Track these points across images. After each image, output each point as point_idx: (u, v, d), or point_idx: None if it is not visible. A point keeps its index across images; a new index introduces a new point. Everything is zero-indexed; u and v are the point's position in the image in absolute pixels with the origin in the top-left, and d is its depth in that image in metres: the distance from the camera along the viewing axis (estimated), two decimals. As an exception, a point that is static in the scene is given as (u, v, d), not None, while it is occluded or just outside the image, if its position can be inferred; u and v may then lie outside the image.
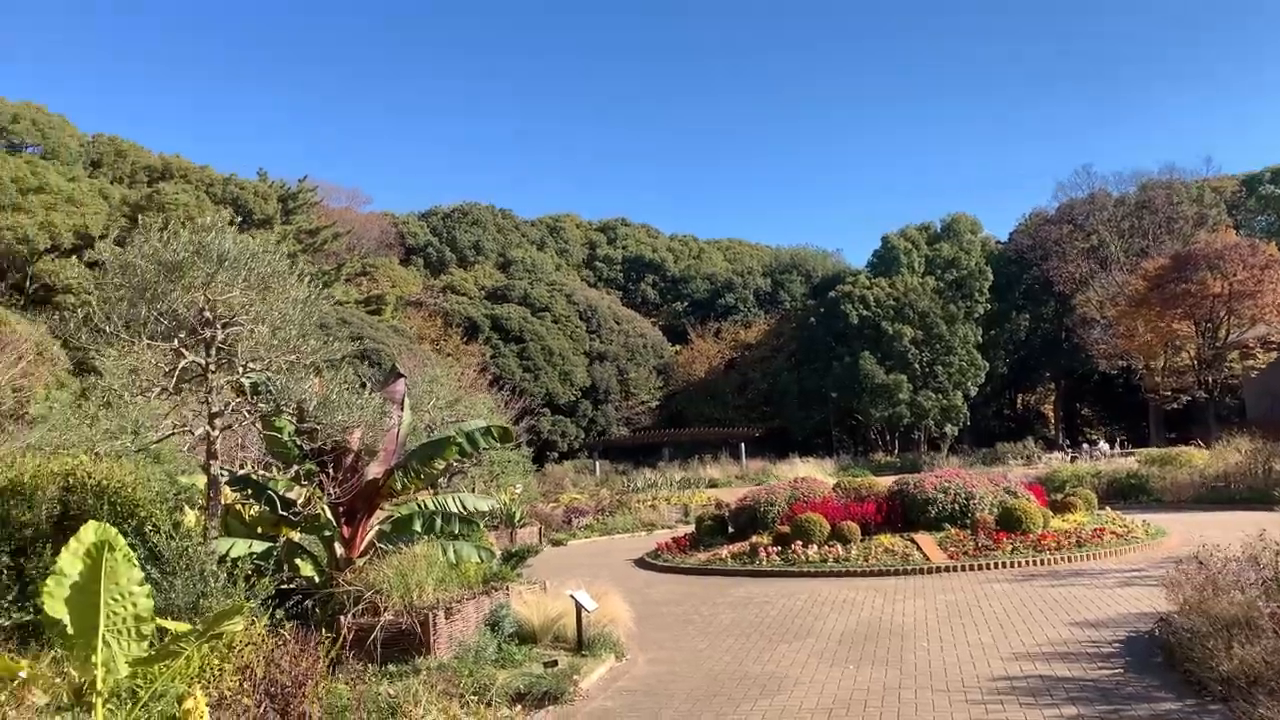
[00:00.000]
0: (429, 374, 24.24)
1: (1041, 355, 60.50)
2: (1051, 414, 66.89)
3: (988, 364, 55.17)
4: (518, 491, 26.84)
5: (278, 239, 40.18)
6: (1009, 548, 15.79)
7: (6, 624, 9.25)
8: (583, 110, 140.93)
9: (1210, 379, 39.82)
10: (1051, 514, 17.79)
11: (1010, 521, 16.49)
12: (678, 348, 64.27)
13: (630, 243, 77.94)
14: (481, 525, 12.56)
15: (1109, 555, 15.65)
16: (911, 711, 7.67)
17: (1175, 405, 42.10)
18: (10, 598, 9.45)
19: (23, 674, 5.83)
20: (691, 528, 22.08)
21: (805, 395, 56.06)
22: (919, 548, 16.17)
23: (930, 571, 15.22)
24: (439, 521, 10.82)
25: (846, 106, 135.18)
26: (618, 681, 9.45)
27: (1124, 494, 25.59)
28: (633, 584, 15.96)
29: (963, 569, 15.21)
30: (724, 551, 17.96)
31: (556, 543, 24.13)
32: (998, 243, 63.70)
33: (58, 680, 6.16)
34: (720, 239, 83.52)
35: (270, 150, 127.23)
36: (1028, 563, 15.23)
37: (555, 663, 9.40)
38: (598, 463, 48.93)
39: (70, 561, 6.36)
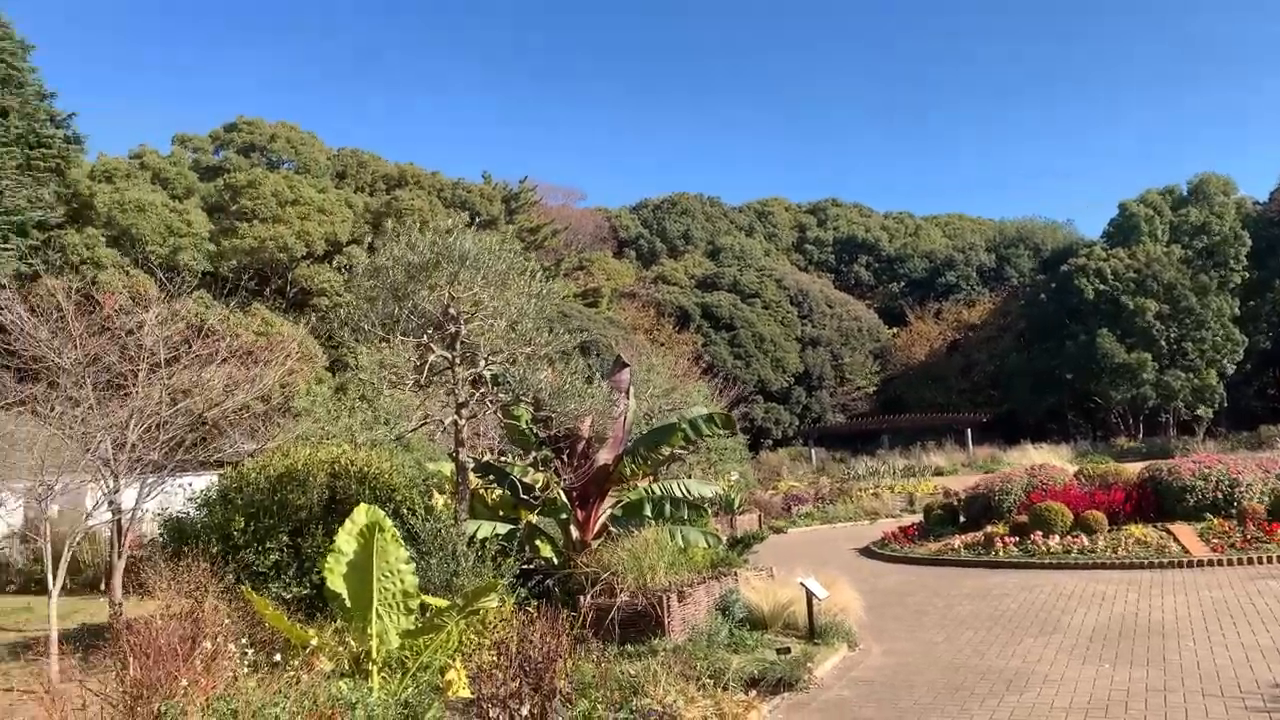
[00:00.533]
0: (646, 363, 24.77)
1: (1313, 327, 53.89)
2: (1327, 392, 59.50)
3: (1246, 339, 49.80)
4: (733, 479, 26.96)
5: (501, 238, 42.41)
6: (1286, 541, 14.23)
7: (288, 596, 10.32)
8: (784, 94, 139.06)
9: None
10: (1336, 504, 15.87)
11: (1286, 512, 14.86)
12: (895, 330, 62.21)
13: (841, 223, 76.20)
14: (708, 511, 12.73)
15: None
16: (1181, 715, 7.07)
17: None
18: (291, 573, 10.53)
19: (313, 642, 6.47)
20: (918, 517, 21.45)
21: (1036, 377, 52.77)
22: (1175, 539, 14.90)
23: (1190, 565, 13.99)
24: (667, 507, 11.06)
25: (1073, 75, 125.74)
26: (852, 671, 9.30)
27: None
28: (860, 573, 15.65)
29: (1228, 563, 13.88)
30: (956, 541, 17.29)
31: (777, 530, 24.06)
32: (1255, 204, 57.22)
33: (340, 649, 6.81)
34: (938, 214, 80.00)
35: (490, 154, 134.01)
36: (1310, 558, 13.68)
37: (788, 650, 9.38)
38: (813, 450, 48.27)
39: (346, 540, 7.02)
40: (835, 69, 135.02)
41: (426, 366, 9.72)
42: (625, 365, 12.19)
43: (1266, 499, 15.40)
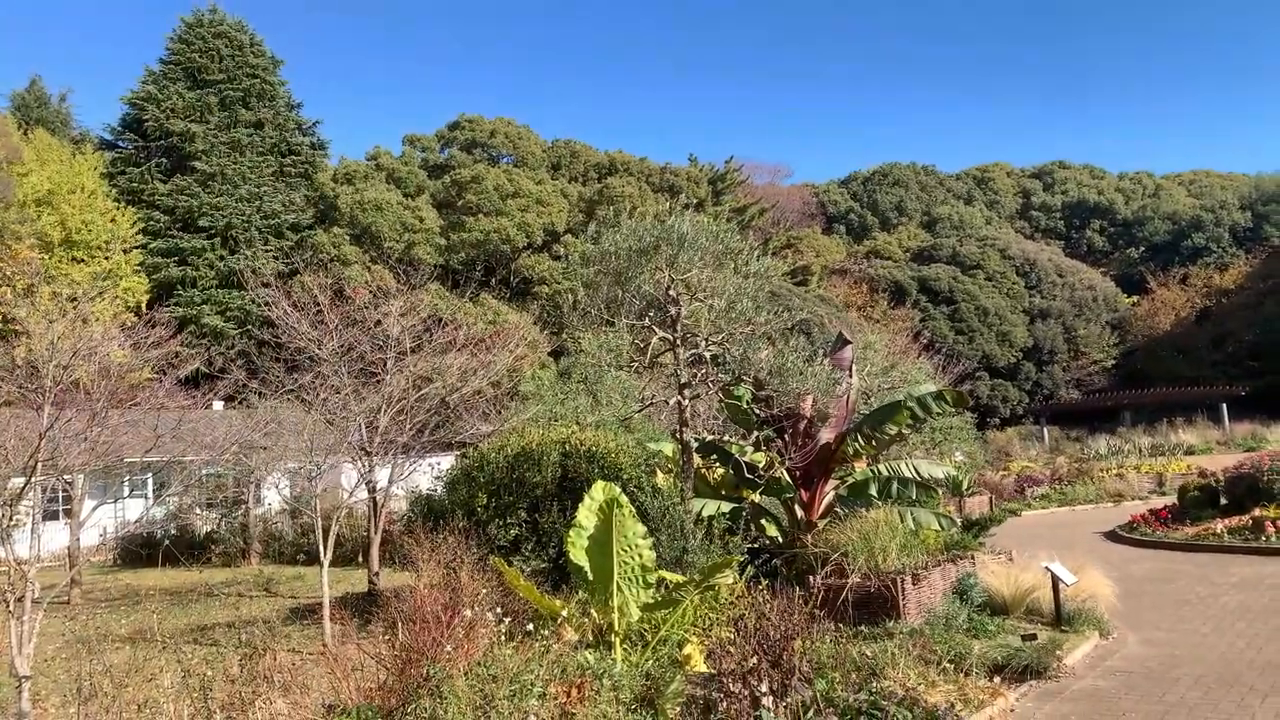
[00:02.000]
0: (862, 340, 24.14)
1: None
2: None
3: None
4: (959, 459, 25.83)
5: (710, 219, 42.61)
6: None
7: (527, 570, 10.86)
8: (1003, 52, 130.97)
9: None
10: None
11: None
12: (1134, 299, 57.49)
13: (1071, 186, 71.15)
14: (939, 492, 12.28)
15: None
16: None
17: None
18: (530, 547, 11.07)
19: (563, 614, 6.76)
20: (1169, 499, 19.82)
21: (1305, 345, 47.25)
22: None
23: None
24: (896, 487, 10.76)
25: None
26: (1106, 660, 8.69)
27: None
28: (1108, 558, 14.59)
29: None
30: (1217, 525, 15.82)
31: (1012, 512, 22.84)
32: None
33: (584, 620, 7.08)
34: (1180, 173, 73.19)
35: (696, 135, 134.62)
36: None
37: (1034, 636, 8.89)
38: (1045, 429, 45.45)
39: (586, 516, 7.29)
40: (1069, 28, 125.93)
41: (649, 348, 9.92)
42: (848, 342, 11.92)
43: None
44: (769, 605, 6.97)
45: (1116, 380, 53.78)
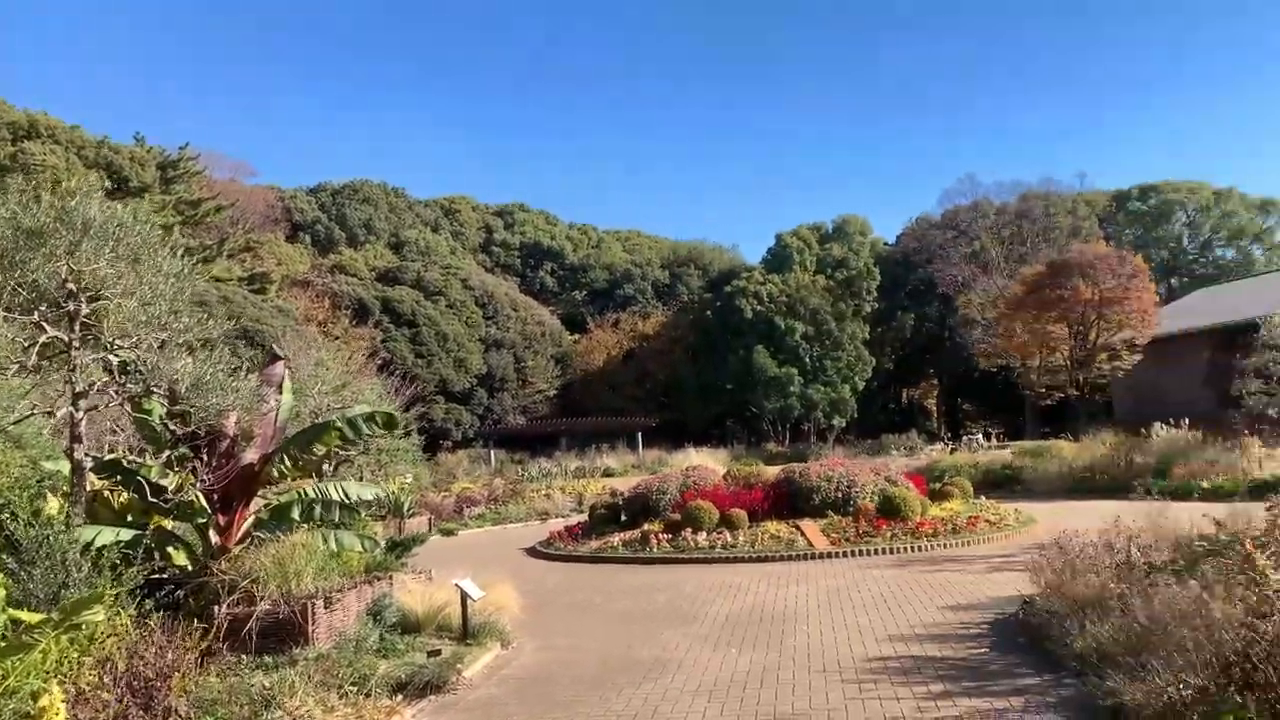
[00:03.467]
0: (315, 357, 23.51)
1: (925, 353, 62.71)
2: (934, 408, 69.38)
3: (874, 360, 56.80)
4: (407, 481, 26.33)
5: (156, 209, 38.36)
6: (889, 534, 16.33)
7: None
8: (479, 91, 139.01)
9: (1081, 378, 41.88)
10: (930, 502, 18.47)
11: (890, 509, 17.05)
12: (576, 337, 64.09)
13: (529, 229, 77.26)
14: (365, 514, 12.27)
15: (982, 542, 16.33)
16: (789, 692, 7.84)
17: (1049, 402, 44.14)
18: None
19: None
20: (585, 516, 22.10)
21: (702, 387, 56.70)
22: (803, 534, 16.57)
23: (814, 557, 15.61)
24: (319, 509, 10.52)
25: (747, 102, 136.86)
26: (503, 669, 9.38)
27: (998, 484, 26.75)
28: (525, 572, 15.88)
29: (844, 555, 15.66)
30: (616, 539, 18.04)
31: (447, 532, 23.81)
32: (886, 244, 65.55)
33: (-107, 676, 5.74)
34: (620, 229, 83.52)
35: (152, 117, 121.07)
36: (906, 549, 15.78)
37: (439, 652, 9.26)
38: (493, 452, 48.42)
39: (-92, 549, 5.94)
40: (518, 74, 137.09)
41: (35, 348, 8.50)
42: (280, 358, 11.45)
43: (876, 498, 17.56)
44: (149, 641, 6.32)
45: (558, 408, 59.35)
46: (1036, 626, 8.86)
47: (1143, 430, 26.48)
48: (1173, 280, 62.86)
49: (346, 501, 10.98)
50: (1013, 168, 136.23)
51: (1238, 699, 5.37)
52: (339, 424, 10.43)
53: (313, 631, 8.89)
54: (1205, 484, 20.91)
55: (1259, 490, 18.70)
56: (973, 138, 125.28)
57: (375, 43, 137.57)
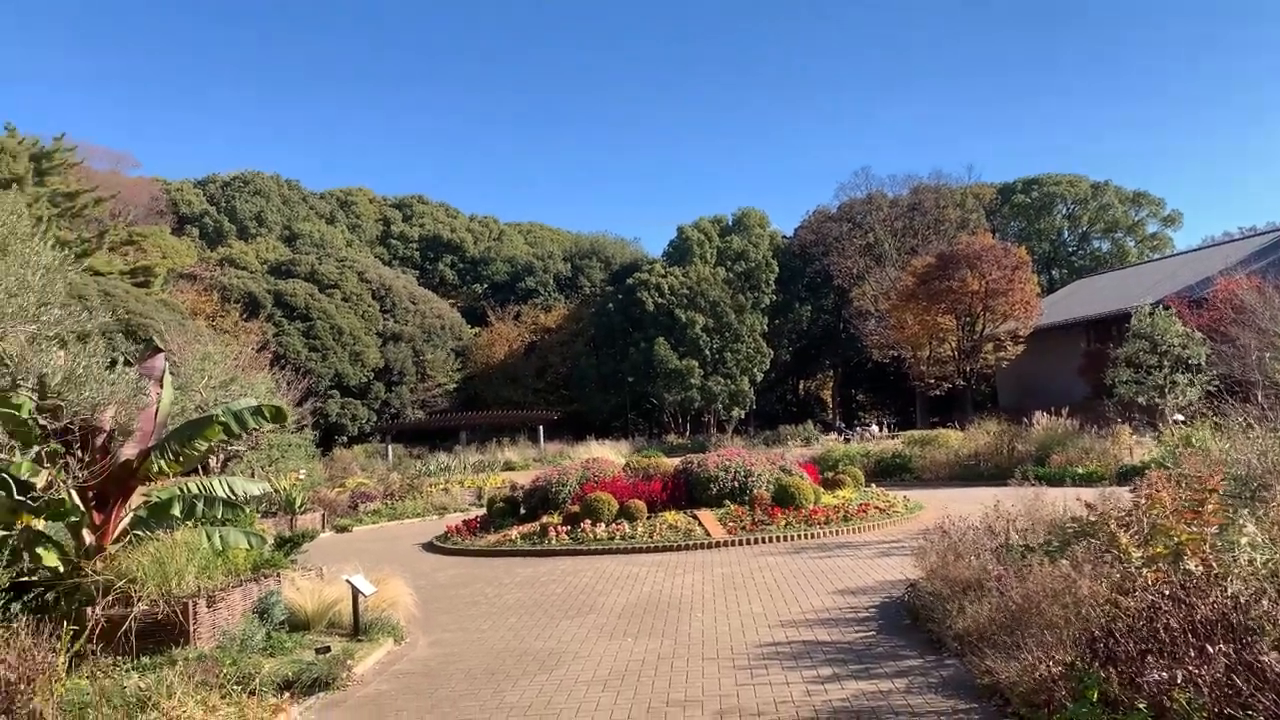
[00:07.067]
0: (201, 351, 22.67)
1: (822, 344, 64.19)
2: (830, 399, 71.15)
3: (772, 351, 57.84)
4: (301, 477, 25.65)
5: (29, 201, 36.30)
6: (783, 522, 16.70)
7: None
8: (376, 82, 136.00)
9: (969, 368, 43.55)
10: (823, 491, 18.97)
11: (785, 498, 17.44)
12: (477, 330, 63.39)
13: (428, 221, 76.07)
14: (251, 511, 11.93)
15: (872, 528, 16.85)
16: (682, 679, 7.96)
17: (938, 392, 45.74)
18: None
19: None
20: (484, 510, 21.92)
21: (603, 379, 56.81)
22: (701, 524, 16.80)
23: (710, 546, 15.84)
24: (201, 506, 10.18)
25: (649, 97, 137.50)
26: (395, 665, 9.25)
27: (889, 472, 27.63)
28: (420, 568, 15.68)
29: (740, 543, 15.94)
30: (514, 532, 17.96)
31: (341, 529, 23.30)
32: (784, 237, 66.79)
33: None
34: (521, 222, 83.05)
35: (24, 105, 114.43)
36: (799, 536, 16.16)
37: (328, 649, 9.08)
38: (390, 447, 47.52)
39: None
40: (429, 64, 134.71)
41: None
42: (160, 351, 11.01)
43: (771, 487, 17.94)
44: (12, 645, 6.03)
45: (458, 402, 58.65)
46: (920, 609, 9.20)
47: (1024, 419, 27.68)
48: (1054, 272, 65.85)
49: (232, 498, 10.67)
50: (903, 160, 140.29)
51: (1101, 673, 5.62)
52: (223, 418, 10.10)
53: (194, 631, 8.61)
54: (1080, 470, 22.00)
55: (1127, 475, 19.76)
56: (870, 130, 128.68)
57: (270, 30, 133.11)
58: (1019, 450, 25.63)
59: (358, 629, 9.88)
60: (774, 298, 60.26)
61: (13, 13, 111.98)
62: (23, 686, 5.53)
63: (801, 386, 71.89)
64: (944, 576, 9.27)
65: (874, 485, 21.93)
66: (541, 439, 48.46)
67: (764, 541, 16.00)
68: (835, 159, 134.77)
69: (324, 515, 23.47)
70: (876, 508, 18.10)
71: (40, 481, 9.86)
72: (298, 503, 21.85)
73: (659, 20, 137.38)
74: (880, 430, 44.56)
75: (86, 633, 8.01)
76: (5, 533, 9.46)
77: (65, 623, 7.61)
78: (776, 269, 60.26)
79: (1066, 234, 68.27)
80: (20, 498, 9.30)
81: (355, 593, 9.91)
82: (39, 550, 9.80)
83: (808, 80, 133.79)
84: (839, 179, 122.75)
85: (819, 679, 7.66)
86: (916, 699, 6.93)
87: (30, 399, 9.42)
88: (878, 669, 7.83)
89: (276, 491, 21.43)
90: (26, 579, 9.68)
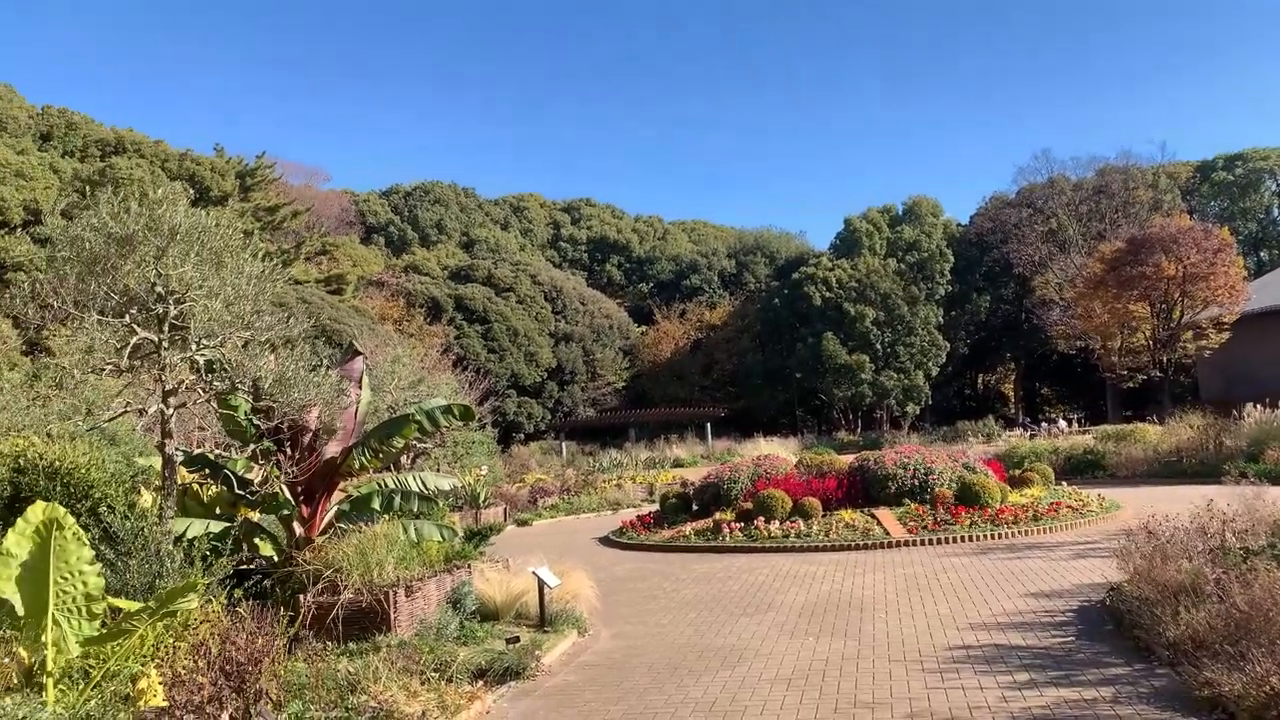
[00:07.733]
0: (391, 354, 24.02)
1: (1001, 336, 61.29)
2: (1011, 393, 67.86)
3: (948, 344, 55.76)
4: (483, 472, 26.77)
5: (235, 216, 39.53)
6: (967, 522, 16.02)
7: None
8: (547, 89, 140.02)
9: (1165, 358, 40.50)
10: (1009, 489, 18.07)
11: (968, 496, 16.73)
12: (643, 329, 64.26)
13: (595, 223, 77.70)
14: (443, 504, 12.52)
15: (1064, 528, 15.92)
16: (869, 680, 7.76)
17: (1131, 384, 42.78)
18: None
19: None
20: (656, 506, 22.17)
21: (770, 375, 56.37)
22: (879, 522, 16.36)
23: (890, 546, 15.40)
24: (398, 500, 10.76)
25: (816, 87, 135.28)
26: (580, 656, 9.47)
27: (1080, 469, 26.04)
28: (598, 561, 16.00)
29: (922, 543, 15.41)
30: (688, 528, 18.05)
31: (521, 522, 24.12)
32: (958, 225, 64.21)
33: (6, 661, 6.05)
34: (685, 220, 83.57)
35: (230, 127, 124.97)
36: (985, 536, 15.46)
37: (517, 639, 9.39)
38: (564, 444, 48.88)
39: (17, 541, 6.25)
40: (589, 70, 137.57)
41: (128, 349, 8.85)
42: (358, 354, 11.73)
43: (954, 485, 17.25)
44: (240, 628, 6.55)
45: (626, 400, 59.67)
46: (1125, 614, 8.60)
47: (1233, 412, 25.46)
48: (1262, 253, 60.35)
49: (425, 492, 11.22)
50: (1088, 142, 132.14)
51: (1344, 688, 5.13)
52: (417, 416, 10.64)
53: (395, 619, 9.10)
54: (1303, 467, 20.05)
55: (1361, 472, 17.86)
56: (1047, 113, 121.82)
57: (443, 45, 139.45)
58: (1227, 445, 23.61)
59: (544, 620, 10.18)
60: (949, 288, 58.06)
61: (209, 41, 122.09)
62: (251, 668, 5.99)
63: (980, 380, 68.93)
64: (1151, 580, 8.63)
65: (1064, 483, 20.71)
66: (709, 436, 48.56)
67: (947, 541, 15.40)
68: (1010, 145, 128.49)
69: (506, 509, 24.37)
70: (1069, 507, 17.09)
71: (256, 477, 10.71)
72: (482, 497, 22.78)
73: (808, 19, 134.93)
74: (1068, 425, 42.06)
75: (300, 618, 8.62)
76: (228, 524, 10.33)
77: (281, 609, 8.21)
78: (951, 258, 58.05)
79: (1277, 212, 62.40)
80: (240, 492, 10.13)
81: (541, 585, 10.21)
82: (256, 541, 10.65)
83: (986, 75, 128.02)
84: (1017, 163, 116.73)
85: (1015, 685, 7.29)
86: (1126, 709, 6.47)
87: (246, 401, 10.24)
88: (1080, 676, 7.37)
89: (463, 486, 22.41)
90: (246, 567, 10.52)
